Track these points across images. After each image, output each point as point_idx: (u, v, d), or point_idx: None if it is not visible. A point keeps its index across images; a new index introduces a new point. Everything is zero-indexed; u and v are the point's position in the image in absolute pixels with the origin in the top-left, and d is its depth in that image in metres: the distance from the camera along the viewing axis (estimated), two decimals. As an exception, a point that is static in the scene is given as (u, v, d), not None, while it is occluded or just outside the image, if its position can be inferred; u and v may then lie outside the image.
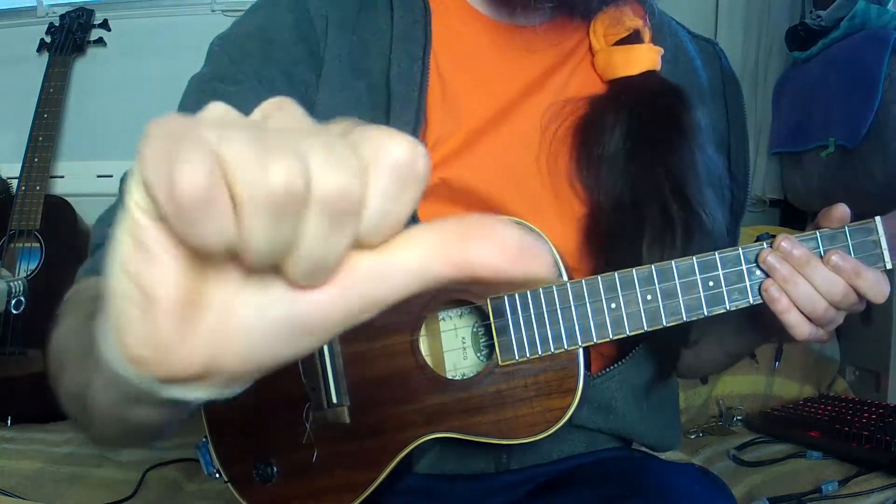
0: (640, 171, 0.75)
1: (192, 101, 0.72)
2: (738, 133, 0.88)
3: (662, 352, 0.79)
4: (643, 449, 0.88)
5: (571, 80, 0.81)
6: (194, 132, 0.23)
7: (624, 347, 0.79)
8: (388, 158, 0.25)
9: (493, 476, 0.79)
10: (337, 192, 0.24)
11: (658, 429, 0.83)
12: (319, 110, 0.73)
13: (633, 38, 0.80)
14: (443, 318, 0.74)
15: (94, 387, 0.40)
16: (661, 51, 0.81)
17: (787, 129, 1.78)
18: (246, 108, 0.54)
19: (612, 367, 0.78)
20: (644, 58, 0.79)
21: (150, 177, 0.23)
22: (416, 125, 0.74)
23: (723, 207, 0.79)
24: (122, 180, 0.69)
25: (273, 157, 0.23)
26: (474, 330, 0.74)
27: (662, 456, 0.87)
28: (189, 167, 0.23)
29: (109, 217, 0.69)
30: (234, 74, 0.73)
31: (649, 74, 0.79)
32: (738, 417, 1.57)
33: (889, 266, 0.67)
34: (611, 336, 0.68)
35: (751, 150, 1.83)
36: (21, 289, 1.51)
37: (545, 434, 0.68)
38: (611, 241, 0.74)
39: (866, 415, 1.25)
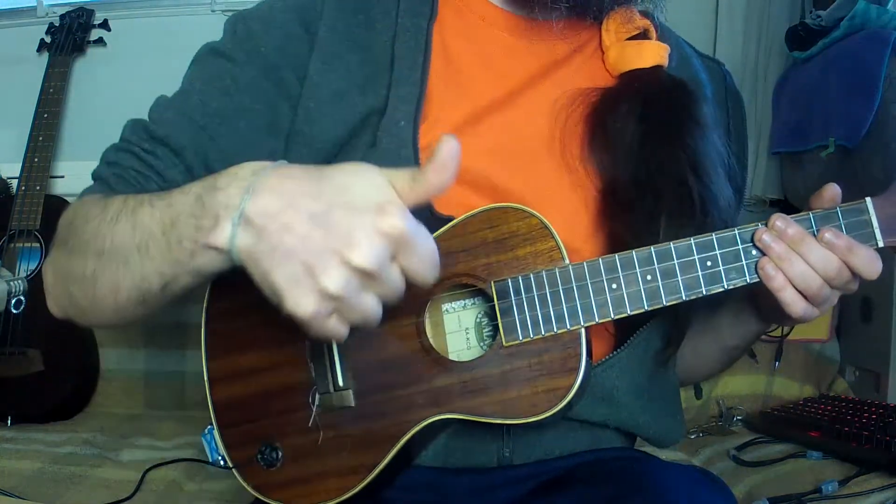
0: (656, 151, 0.77)
1: (195, 70, 0.81)
2: (739, 146, 0.92)
3: (670, 326, 0.81)
4: (646, 449, 0.88)
5: (581, 73, 0.84)
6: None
7: (625, 333, 0.80)
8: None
9: (496, 471, 0.79)
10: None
11: (660, 420, 0.84)
12: (311, 80, 0.78)
13: (643, 36, 0.84)
14: (446, 311, 0.75)
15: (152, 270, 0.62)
16: (669, 48, 0.84)
17: (787, 129, 1.78)
18: (233, 80, 0.77)
19: (612, 356, 0.79)
20: (654, 52, 0.83)
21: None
22: (420, 92, 0.77)
23: (731, 188, 0.81)
24: (126, 128, 0.79)
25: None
26: (478, 319, 0.75)
27: (665, 454, 0.87)
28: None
29: (110, 155, 0.78)
30: (231, 51, 0.80)
31: (658, 69, 0.83)
32: (738, 417, 1.57)
33: (881, 244, 0.69)
34: (612, 315, 0.69)
35: (751, 150, 1.85)
36: (21, 289, 1.51)
37: (550, 413, 0.69)
38: (627, 216, 0.76)
39: (866, 415, 1.26)
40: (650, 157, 0.77)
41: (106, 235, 0.66)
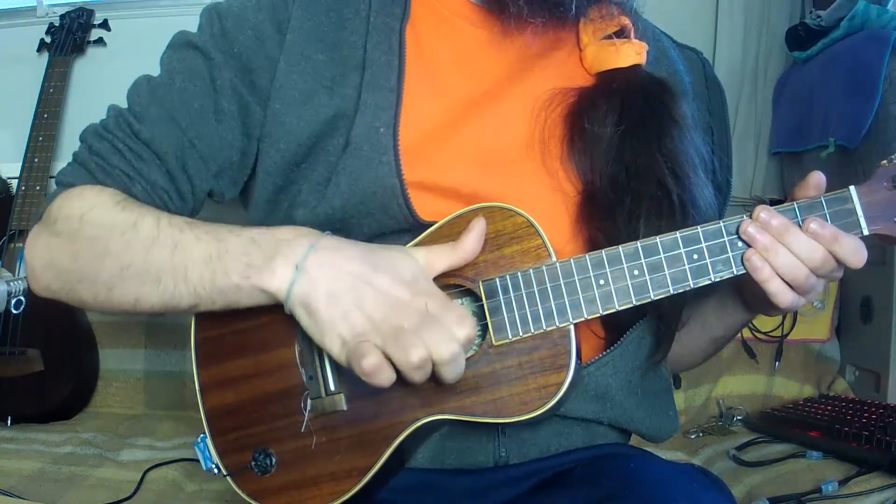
0: (635, 152, 0.78)
1: (174, 61, 0.82)
2: (720, 134, 0.92)
3: (660, 328, 0.81)
4: (642, 447, 0.88)
5: (558, 71, 0.84)
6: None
7: (616, 333, 0.80)
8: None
9: (493, 471, 0.79)
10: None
11: (654, 415, 0.84)
12: (277, 81, 0.79)
13: (621, 34, 0.84)
14: None
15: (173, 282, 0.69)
16: (647, 46, 0.84)
17: (787, 129, 1.78)
18: (211, 81, 0.79)
19: (605, 354, 0.79)
20: (632, 51, 0.83)
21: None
22: (398, 99, 0.78)
23: (712, 188, 0.82)
24: (109, 116, 0.81)
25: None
26: None
27: (665, 454, 0.87)
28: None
29: (94, 143, 0.80)
30: (208, 49, 0.80)
31: (636, 67, 0.83)
32: (738, 417, 1.57)
33: (866, 232, 0.69)
34: (601, 311, 0.70)
35: (750, 150, 1.85)
36: (21, 289, 1.51)
37: (542, 410, 0.69)
38: (607, 217, 0.76)
39: (866, 415, 1.25)
40: (629, 160, 0.78)
41: (138, 252, 0.70)
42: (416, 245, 0.74)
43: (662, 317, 0.79)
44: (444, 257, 0.69)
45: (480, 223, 0.70)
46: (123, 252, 0.71)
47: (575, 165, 0.80)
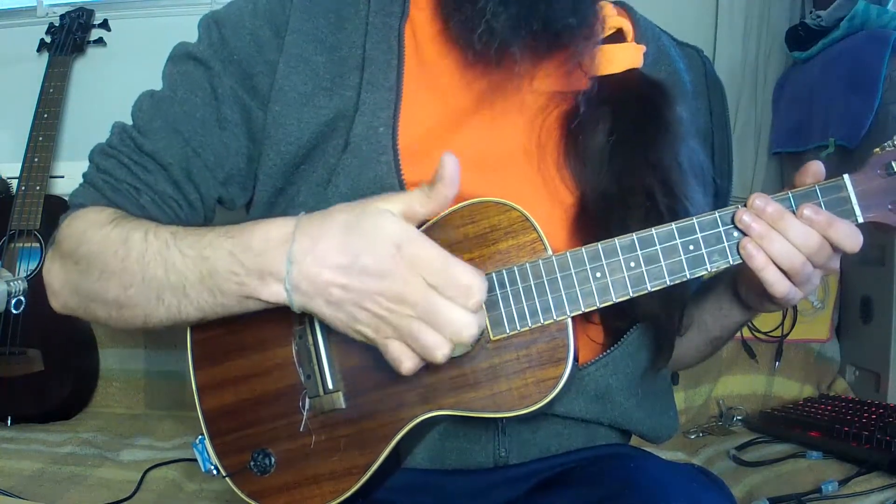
0: (626, 163, 0.77)
1: (174, 74, 0.82)
2: (721, 134, 0.92)
3: (659, 337, 0.81)
4: (642, 447, 0.88)
5: (557, 74, 0.83)
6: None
7: (615, 334, 0.80)
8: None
9: (493, 471, 0.79)
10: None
11: (654, 416, 0.84)
12: (277, 83, 0.79)
13: (617, 37, 0.84)
14: None
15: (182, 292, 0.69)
16: (644, 48, 0.84)
17: (787, 129, 1.78)
18: (213, 90, 0.80)
19: (605, 354, 0.79)
20: (627, 56, 0.82)
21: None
22: (397, 98, 0.77)
23: (707, 196, 0.82)
24: (113, 133, 0.82)
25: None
26: None
27: (665, 454, 0.87)
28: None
29: (101, 161, 0.81)
30: (208, 59, 0.80)
31: (632, 71, 0.82)
32: (738, 417, 1.57)
33: (861, 220, 0.69)
34: (598, 304, 0.70)
35: (750, 150, 1.84)
36: (21, 289, 1.51)
37: (541, 404, 0.69)
38: (599, 229, 0.76)
39: (866, 415, 1.26)
40: (620, 170, 0.77)
41: (135, 272, 0.70)
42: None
43: (661, 328, 0.79)
44: (422, 204, 0.65)
45: (450, 161, 0.65)
46: (122, 272, 0.71)
47: (570, 172, 0.79)
